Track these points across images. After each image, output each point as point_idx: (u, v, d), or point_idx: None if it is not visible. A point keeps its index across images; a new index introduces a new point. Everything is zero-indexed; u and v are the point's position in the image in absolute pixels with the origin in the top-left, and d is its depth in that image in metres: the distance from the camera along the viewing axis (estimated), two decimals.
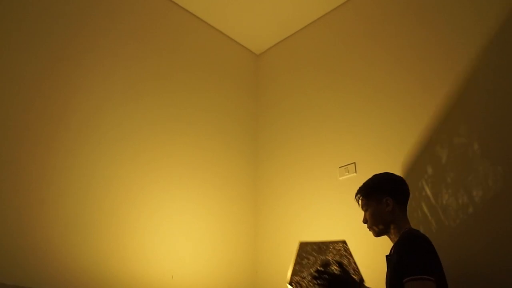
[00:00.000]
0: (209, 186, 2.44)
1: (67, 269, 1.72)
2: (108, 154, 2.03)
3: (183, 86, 2.52)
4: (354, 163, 2.21)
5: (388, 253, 1.55)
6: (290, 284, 1.60)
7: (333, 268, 1.52)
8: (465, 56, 1.93)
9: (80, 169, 1.91)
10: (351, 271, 1.54)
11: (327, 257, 1.57)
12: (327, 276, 1.42)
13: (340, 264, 1.46)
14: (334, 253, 1.59)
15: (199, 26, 2.69)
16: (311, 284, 1.53)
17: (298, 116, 2.64)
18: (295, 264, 1.64)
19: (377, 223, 1.55)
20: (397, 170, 1.88)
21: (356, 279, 1.52)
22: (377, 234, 1.57)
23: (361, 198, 1.61)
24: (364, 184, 1.62)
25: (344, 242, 1.64)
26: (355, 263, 1.59)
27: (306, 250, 1.65)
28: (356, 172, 2.19)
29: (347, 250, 1.62)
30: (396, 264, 1.38)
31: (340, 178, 2.26)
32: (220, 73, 2.74)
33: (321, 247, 1.63)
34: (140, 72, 2.31)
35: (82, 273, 1.76)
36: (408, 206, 1.60)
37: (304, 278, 1.58)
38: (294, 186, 2.51)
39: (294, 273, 1.62)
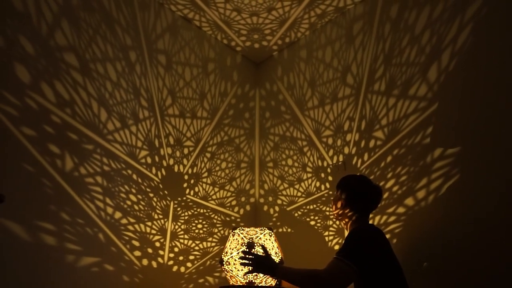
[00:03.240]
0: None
1: None
2: None
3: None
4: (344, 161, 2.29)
5: None
6: (221, 263, 1.73)
7: (256, 250, 1.69)
8: None
9: None
10: (273, 254, 1.72)
11: (253, 241, 1.73)
12: (251, 256, 1.56)
13: (263, 247, 1.62)
14: (261, 238, 1.76)
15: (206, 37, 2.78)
16: (237, 263, 1.68)
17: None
18: (226, 247, 1.78)
19: (335, 212, 1.70)
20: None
21: (276, 260, 1.70)
22: (336, 218, 1.72)
23: (336, 187, 1.75)
24: (343, 177, 1.73)
25: (270, 229, 1.82)
26: (278, 247, 1.78)
27: (237, 234, 1.80)
28: (345, 169, 2.26)
29: (271, 236, 1.80)
30: None
31: (330, 178, 2.38)
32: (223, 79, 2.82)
33: (250, 232, 1.79)
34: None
35: None
36: None
37: (232, 257, 1.72)
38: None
39: (224, 254, 1.75)
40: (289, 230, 2.49)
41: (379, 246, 1.47)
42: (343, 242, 1.51)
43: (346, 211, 1.63)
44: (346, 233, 1.65)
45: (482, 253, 1.60)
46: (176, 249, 2.18)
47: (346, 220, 1.65)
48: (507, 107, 1.66)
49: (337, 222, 2.21)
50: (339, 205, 1.67)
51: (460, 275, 1.64)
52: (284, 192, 2.60)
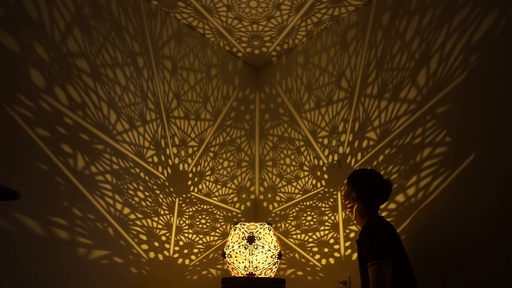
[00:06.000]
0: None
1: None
2: None
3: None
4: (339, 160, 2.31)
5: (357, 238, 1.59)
6: (223, 256, 1.73)
7: (256, 243, 1.69)
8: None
9: None
10: (272, 247, 1.72)
11: (253, 235, 1.73)
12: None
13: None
14: (261, 232, 1.76)
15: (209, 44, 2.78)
16: (238, 256, 1.68)
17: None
18: (228, 240, 1.78)
19: (344, 202, 1.70)
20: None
21: (275, 253, 1.70)
22: (345, 209, 1.71)
23: (347, 180, 1.73)
24: (353, 171, 1.72)
25: (269, 224, 1.82)
26: (276, 241, 1.78)
27: (239, 229, 1.79)
28: (340, 167, 2.26)
29: (270, 230, 1.80)
30: (361, 252, 1.47)
31: (326, 176, 2.36)
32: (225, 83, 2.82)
33: (250, 227, 1.79)
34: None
35: None
36: None
37: (233, 250, 1.72)
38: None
39: (226, 247, 1.75)
40: (287, 225, 2.49)
41: (393, 240, 1.44)
42: (362, 241, 1.46)
43: (357, 203, 1.60)
44: (357, 223, 1.64)
45: (470, 247, 1.60)
46: (181, 243, 2.18)
47: (357, 212, 1.61)
48: (495, 109, 1.66)
49: (332, 218, 2.21)
50: (350, 198, 1.63)
51: (448, 268, 1.64)
52: (282, 189, 2.60)
